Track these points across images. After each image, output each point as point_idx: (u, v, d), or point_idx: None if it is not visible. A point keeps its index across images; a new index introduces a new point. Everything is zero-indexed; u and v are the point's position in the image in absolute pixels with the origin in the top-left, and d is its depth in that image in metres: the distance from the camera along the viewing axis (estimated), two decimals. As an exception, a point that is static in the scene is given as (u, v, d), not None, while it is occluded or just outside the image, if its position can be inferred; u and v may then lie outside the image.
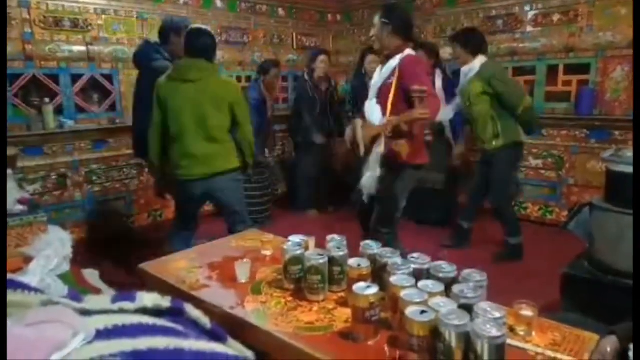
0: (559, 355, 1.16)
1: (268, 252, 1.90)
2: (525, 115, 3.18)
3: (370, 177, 2.47)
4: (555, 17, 4.09)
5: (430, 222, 4.11)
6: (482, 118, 3.22)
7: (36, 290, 0.66)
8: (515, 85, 3.34)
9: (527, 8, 4.25)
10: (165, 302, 0.67)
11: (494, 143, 3.21)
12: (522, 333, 1.25)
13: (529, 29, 4.22)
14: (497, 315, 1.09)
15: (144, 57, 2.98)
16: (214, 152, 2.55)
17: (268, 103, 4.35)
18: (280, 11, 5.29)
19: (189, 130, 2.49)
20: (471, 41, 3.26)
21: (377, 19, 2.48)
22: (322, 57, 4.47)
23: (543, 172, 4.22)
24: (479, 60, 3.22)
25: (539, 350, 1.18)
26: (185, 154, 2.53)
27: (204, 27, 2.67)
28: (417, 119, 2.26)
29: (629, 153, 2.13)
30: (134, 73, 4.11)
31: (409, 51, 2.47)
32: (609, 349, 1.19)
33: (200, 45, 2.49)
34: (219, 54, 4.57)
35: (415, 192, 2.67)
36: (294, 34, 5.45)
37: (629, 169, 2.01)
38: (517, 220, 3.48)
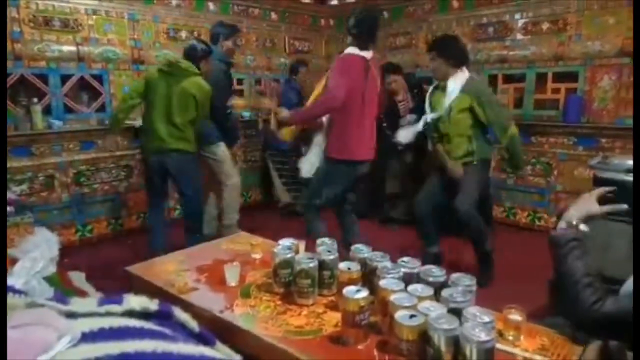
0: (546, 360, 1.17)
1: (258, 256, 1.89)
2: (512, 146, 2.87)
3: (306, 160, 2.99)
4: (545, 26, 4.14)
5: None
6: (458, 136, 2.91)
7: (21, 292, 0.65)
8: (502, 108, 3.04)
9: (517, 16, 4.30)
10: (153, 305, 0.66)
11: (464, 160, 2.93)
12: (510, 337, 1.25)
13: (519, 36, 4.27)
14: (486, 319, 1.10)
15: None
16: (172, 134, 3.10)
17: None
18: (273, 15, 5.29)
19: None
20: (454, 52, 2.93)
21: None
22: (302, 70, 4.68)
23: (532, 178, 4.26)
24: (464, 74, 2.91)
25: (527, 354, 1.19)
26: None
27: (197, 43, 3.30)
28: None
29: (615, 160, 2.17)
30: (124, 74, 4.11)
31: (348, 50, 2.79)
32: (595, 355, 1.20)
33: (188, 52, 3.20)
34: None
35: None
36: (286, 38, 5.46)
37: (616, 176, 2.04)
38: (484, 229, 3.10)
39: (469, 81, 2.90)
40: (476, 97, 2.85)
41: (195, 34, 4.56)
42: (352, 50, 2.74)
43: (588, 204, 1.22)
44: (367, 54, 2.74)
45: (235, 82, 4.83)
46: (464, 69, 2.93)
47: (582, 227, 1.19)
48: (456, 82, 2.88)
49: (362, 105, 2.75)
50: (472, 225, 2.90)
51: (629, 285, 1.08)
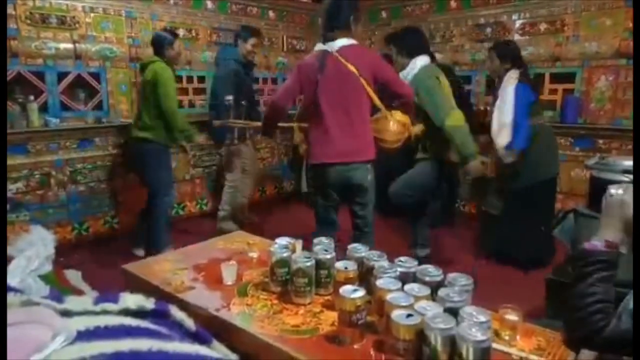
0: (542, 360, 1.17)
1: (254, 254, 1.89)
2: (451, 137, 2.76)
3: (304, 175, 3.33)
4: (542, 27, 4.15)
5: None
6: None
7: (16, 290, 0.64)
8: (438, 97, 2.78)
9: (514, 17, 4.31)
10: (149, 303, 0.66)
11: (418, 156, 3.00)
12: (506, 337, 1.25)
13: (516, 37, 4.28)
14: (483, 319, 1.10)
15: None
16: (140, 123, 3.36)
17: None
18: (271, 13, 5.28)
19: None
20: (406, 42, 2.89)
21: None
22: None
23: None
24: (421, 62, 2.82)
25: (523, 354, 1.19)
26: None
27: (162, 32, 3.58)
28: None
29: (612, 161, 2.17)
30: (122, 72, 4.10)
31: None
32: (591, 356, 1.21)
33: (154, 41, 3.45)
34: (209, 54, 4.59)
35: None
36: (284, 37, 5.45)
37: (613, 176, 2.04)
38: (428, 231, 3.24)
39: (417, 71, 2.82)
40: (415, 87, 2.70)
41: (193, 32, 4.55)
42: (316, 46, 2.53)
43: (630, 212, 1.04)
44: (333, 45, 2.41)
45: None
46: (422, 57, 2.84)
47: (623, 249, 1.05)
48: (411, 72, 2.85)
49: (321, 103, 2.43)
50: (403, 205, 3.13)
51: (628, 302, 1.05)
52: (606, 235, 1.06)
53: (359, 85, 2.39)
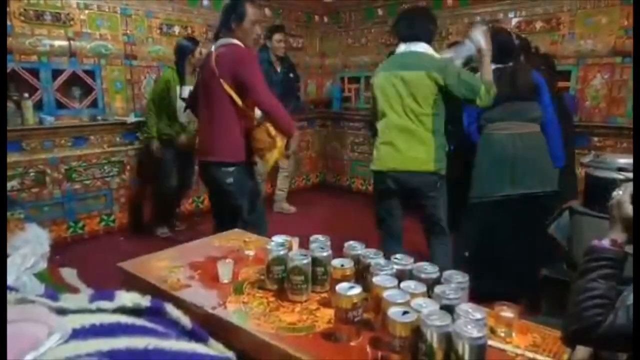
0: (538, 356, 1.17)
1: (251, 252, 1.89)
2: None
3: None
4: (538, 24, 4.17)
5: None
6: None
7: (11, 288, 0.64)
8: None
9: (510, 14, 4.32)
10: (144, 301, 0.66)
11: None
12: (502, 334, 1.26)
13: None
14: (478, 316, 1.10)
15: None
16: None
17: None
18: (267, 11, 5.27)
19: None
20: (398, 27, 2.56)
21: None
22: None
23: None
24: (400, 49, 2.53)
25: (519, 351, 1.20)
26: None
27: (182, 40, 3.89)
28: None
29: (607, 159, 2.18)
30: (117, 69, 4.08)
31: None
32: (586, 353, 1.21)
33: None
34: (204, 51, 4.56)
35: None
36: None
37: (607, 174, 2.06)
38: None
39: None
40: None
41: (189, 29, 4.53)
42: None
43: (630, 211, 1.05)
44: (216, 44, 2.48)
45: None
46: (401, 46, 2.52)
47: (629, 248, 1.06)
48: None
49: (201, 100, 2.56)
50: None
51: (625, 297, 1.05)
52: (612, 235, 1.08)
53: (217, 85, 2.39)
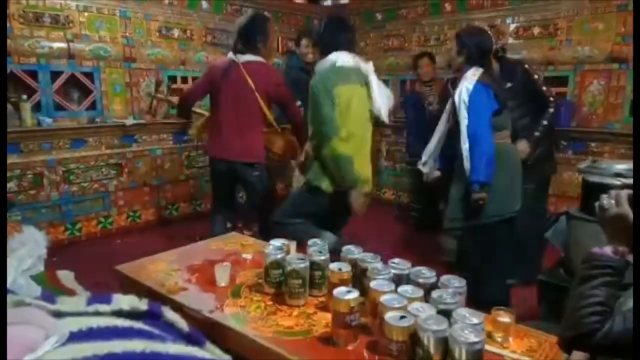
0: (534, 362, 1.18)
1: (248, 256, 1.89)
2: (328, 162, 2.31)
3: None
4: (536, 30, 4.19)
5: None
6: None
7: (8, 291, 0.64)
8: (322, 112, 2.27)
9: (508, 20, 4.34)
10: (142, 304, 0.66)
11: None
12: (499, 339, 1.26)
13: (510, 40, 4.31)
14: (475, 321, 1.10)
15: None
16: None
17: None
18: (266, 15, 5.27)
19: None
20: (322, 37, 2.45)
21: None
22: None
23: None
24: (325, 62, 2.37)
25: (516, 356, 1.20)
26: None
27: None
28: None
29: (604, 164, 2.19)
30: (115, 72, 4.08)
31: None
32: (583, 357, 1.22)
33: None
34: (203, 55, 4.59)
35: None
36: (279, 38, 5.45)
37: (604, 180, 2.06)
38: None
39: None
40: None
41: (188, 32, 4.54)
42: (228, 55, 2.90)
43: (628, 214, 1.05)
44: (241, 57, 2.77)
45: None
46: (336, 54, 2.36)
47: (630, 257, 1.05)
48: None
49: (220, 103, 2.85)
50: None
51: (621, 304, 1.05)
52: (614, 244, 1.07)
53: (252, 97, 2.76)
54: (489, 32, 2.49)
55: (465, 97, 2.30)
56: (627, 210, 1.05)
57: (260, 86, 2.76)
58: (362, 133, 2.34)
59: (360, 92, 2.33)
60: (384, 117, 2.39)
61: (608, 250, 1.07)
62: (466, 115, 2.29)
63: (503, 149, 2.35)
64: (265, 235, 2.55)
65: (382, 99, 2.38)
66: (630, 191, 1.08)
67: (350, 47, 2.39)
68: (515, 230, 2.47)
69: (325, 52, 2.38)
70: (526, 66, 2.95)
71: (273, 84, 2.82)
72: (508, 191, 2.37)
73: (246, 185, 3.00)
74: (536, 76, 2.97)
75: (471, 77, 2.32)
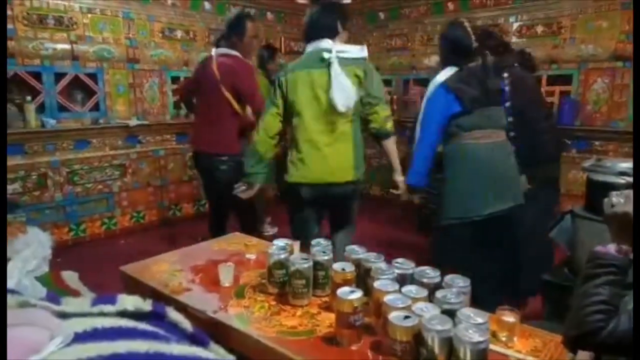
0: (539, 361, 1.17)
1: (252, 256, 1.89)
2: None
3: None
4: (539, 29, 4.17)
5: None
6: None
7: (12, 291, 0.64)
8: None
9: (512, 19, 4.32)
10: (146, 305, 0.66)
11: None
12: (504, 339, 1.25)
13: (514, 39, 4.29)
14: (480, 320, 1.10)
15: None
16: None
17: None
18: (269, 15, 5.29)
19: None
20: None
21: None
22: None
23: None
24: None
25: (520, 356, 1.20)
26: None
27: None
28: None
29: (608, 163, 2.18)
30: (119, 73, 4.09)
31: None
32: (588, 357, 1.21)
33: None
34: (206, 55, 4.58)
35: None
36: (282, 39, 5.46)
37: (609, 178, 2.05)
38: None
39: None
40: None
41: (191, 33, 4.55)
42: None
43: (628, 214, 1.05)
44: (217, 51, 2.87)
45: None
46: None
47: (632, 255, 1.05)
48: None
49: (201, 97, 2.96)
50: None
51: (626, 303, 1.05)
52: (617, 242, 1.07)
53: (219, 89, 2.79)
54: (466, 26, 2.28)
55: (425, 101, 2.33)
56: (631, 209, 1.05)
57: (224, 78, 2.79)
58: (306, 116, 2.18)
59: (305, 77, 2.16)
60: (339, 106, 2.11)
61: (612, 248, 1.06)
62: (419, 119, 2.34)
63: (469, 150, 2.27)
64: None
65: (338, 89, 2.13)
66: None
67: (326, 33, 2.18)
68: (490, 237, 2.28)
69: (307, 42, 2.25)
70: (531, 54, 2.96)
71: (235, 75, 2.78)
72: (468, 194, 2.25)
73: (211, 175, 2.93)
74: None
75: (437, 80, 2.29)
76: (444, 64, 2.33)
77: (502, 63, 2.63)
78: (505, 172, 2.30)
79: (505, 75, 2.56)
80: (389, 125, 2.23)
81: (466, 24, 2.30)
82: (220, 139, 2.87)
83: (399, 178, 2.29)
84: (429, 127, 2.30)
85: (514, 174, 2.35)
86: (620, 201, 1.09)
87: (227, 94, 2.79)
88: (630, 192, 1.09)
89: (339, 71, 2.09)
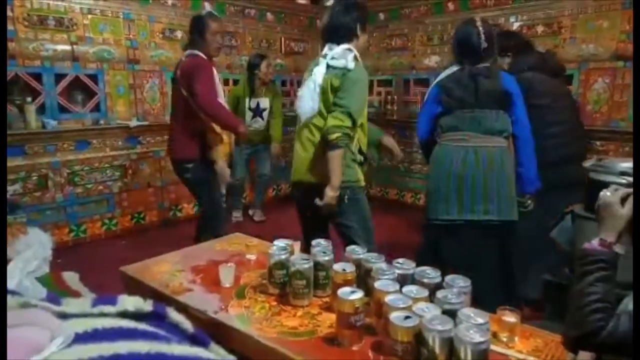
0: (540, 361, 1.17)
1: (252, 257, 1.89)
2: None
3: None
4: (540, 29, 4.17)
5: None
6: None
7: (13, 292, 0.64)
8: None
9: (512, 19, 4.32)
10: (147, 305, 0.66)
11: None
12: (504, 339, 1.25)
13: (514, 39, 4.29)
14: (481, 321, 1.10)
15: None
16: None
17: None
18: (269, 15, 5.29)
19: None
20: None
21: None
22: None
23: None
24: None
25: (521, 356, 1.20)
26: None
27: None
28: None
29: (609, 163, 2.18)
30: (119, 74, 4.10)
31: None
32: (589, 357, 1.21)
33: None
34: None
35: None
36: (282, 39, 5.46)
37: (609, 178, 2.05)
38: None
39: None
40: None
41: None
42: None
43: (618, 211, 1.10)
44: (184, 54, 2.86)
45: (231, 82, 4.84)
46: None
47: (618, 248, 1.08)
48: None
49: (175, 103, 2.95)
50: None
51: (627, 303, 1.05)
52: (601, 235, 1.11)
53: (180, 91, 2.78)
54: (477, 26, 2.20)
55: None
56: (617, 201, 1.11)
57: (182, 80, 2.76)
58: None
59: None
60: (297, 112, 2.21)
61: (596, 243, 1.10)
62: None
63: (439, 151, 2.25)
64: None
65: (301, 96, 2.19)
66: (630, 190, 1.12)
67: (343, 36, 2.19)
68: (465, 243, 2.21)
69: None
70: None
71: (189, 76, 2.70)
72: (434, 195, 2.26)
73: (186, 184, 2.98)
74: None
75: (439, 78, 2.30)
76: (454, 62, 2.30)
77: (516, 65, 2.64)
78: (482, 182, 2.14)
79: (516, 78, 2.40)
80: (334, 136, 2.00)
81: (478, 23, 2.22)
82: (179, 144, 2.87)
83: (330, 192, 2.05)
84: (419, 119, 2.44)
85: (499, 185, 2.15)
86: (607, 194, 1.14)
87: (185, 94, 2.75)
88: (620, 187, 1.15)
89: (313, 78, 2.12)
